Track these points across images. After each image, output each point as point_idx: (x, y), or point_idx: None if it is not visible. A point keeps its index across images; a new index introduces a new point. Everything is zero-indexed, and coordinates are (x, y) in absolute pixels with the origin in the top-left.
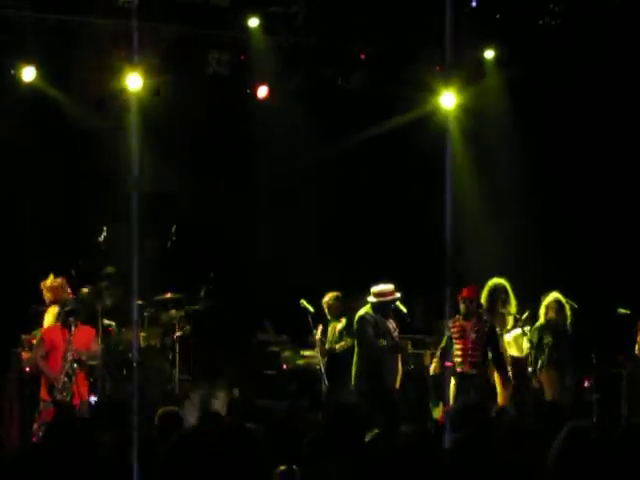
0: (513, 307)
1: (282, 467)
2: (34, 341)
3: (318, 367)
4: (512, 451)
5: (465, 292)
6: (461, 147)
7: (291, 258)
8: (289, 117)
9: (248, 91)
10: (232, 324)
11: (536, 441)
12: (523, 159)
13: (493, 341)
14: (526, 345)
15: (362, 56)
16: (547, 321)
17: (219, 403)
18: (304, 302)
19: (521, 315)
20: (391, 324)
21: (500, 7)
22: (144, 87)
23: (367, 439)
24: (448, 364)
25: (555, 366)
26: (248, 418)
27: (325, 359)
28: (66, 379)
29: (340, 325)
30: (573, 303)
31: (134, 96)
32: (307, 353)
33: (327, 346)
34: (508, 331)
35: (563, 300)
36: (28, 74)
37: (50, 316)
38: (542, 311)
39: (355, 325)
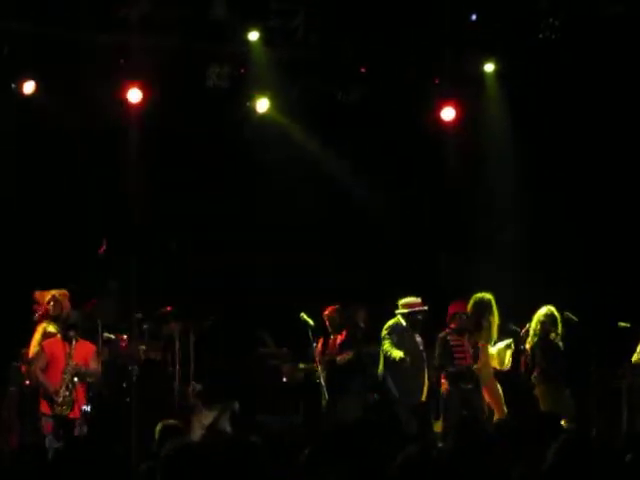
0: (496, 320)
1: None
2: (30, 354)
3: (318, 380)
4: (509, 463)
5: (455, 307)
6: (459, 160)
7: (290, 279)
8: (288, 130)
9: (248, 104)
10: (232, 338)
11: (533, 453)
12: (521, 171)
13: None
14: (508, 359)
15: (362, 70)
16: (540, 335)
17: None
18: (304, 315)
19: (521, 329)
20: (418, 337)
21: (500, 20)
22: (144, 100)
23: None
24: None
25: (550, 380)
26: (248, 431)
27: (325, 372)
28: (67, 393)
29: (341, 338)
30: (573, 317)
31: (134, 109)
32: (307, 366)
33: (327, 358)
34: (493, 345)
35: (556, 313)
36: (28, 87)
37: (38, 335)
38: (534, 325)
39: (383, 332)
